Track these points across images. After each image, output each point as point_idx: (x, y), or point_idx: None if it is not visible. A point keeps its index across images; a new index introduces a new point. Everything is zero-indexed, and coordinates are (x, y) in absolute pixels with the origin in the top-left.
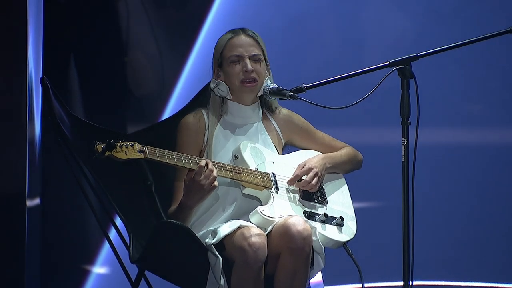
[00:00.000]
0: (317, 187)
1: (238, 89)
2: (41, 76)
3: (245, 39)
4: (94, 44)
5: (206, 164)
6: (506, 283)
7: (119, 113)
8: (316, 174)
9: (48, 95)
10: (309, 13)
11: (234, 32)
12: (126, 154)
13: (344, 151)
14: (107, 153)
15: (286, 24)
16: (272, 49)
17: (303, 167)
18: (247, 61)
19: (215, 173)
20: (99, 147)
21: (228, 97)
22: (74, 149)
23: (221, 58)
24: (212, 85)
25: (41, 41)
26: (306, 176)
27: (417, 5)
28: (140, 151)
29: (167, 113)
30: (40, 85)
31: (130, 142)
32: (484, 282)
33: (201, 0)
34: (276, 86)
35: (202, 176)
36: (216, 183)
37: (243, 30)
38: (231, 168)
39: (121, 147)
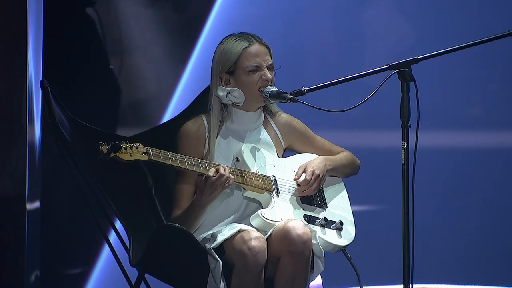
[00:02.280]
0: (316, 191)
1: (254, 98)
2: (41, 79)
3: (261, 48)
4: (94, 47)
5: (217, 171)
6: (506, 286)
7: (118, 116)
8: (317, 177)
9: (48, 98)
10: (309, 15)
11: (247, 39)
12: (130, 155)
13: (344, 155)
14: (112, 155)
15: (286, 26)
16: (272, 51)
17: (305, 169)
18: (266, 70)
19: (231, 179)
20: (104, 148)
21: (239, 104)
22: (74, 152)
23: (235, 66)
24: (220, 93)
25: (41, 45)
26: (305, 175)
27: (417, 8)
28: (144, 153)
29: (167, 117)
30: (40, 88)
31: (134, 144)
32: (483, 285)
33: (202, 3)
34: (276, 89)
35: (218, 182)
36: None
37: (254, 37)
38: (233, 171)
39: (125, 148)
